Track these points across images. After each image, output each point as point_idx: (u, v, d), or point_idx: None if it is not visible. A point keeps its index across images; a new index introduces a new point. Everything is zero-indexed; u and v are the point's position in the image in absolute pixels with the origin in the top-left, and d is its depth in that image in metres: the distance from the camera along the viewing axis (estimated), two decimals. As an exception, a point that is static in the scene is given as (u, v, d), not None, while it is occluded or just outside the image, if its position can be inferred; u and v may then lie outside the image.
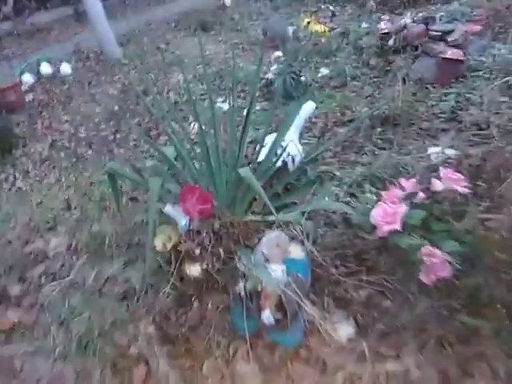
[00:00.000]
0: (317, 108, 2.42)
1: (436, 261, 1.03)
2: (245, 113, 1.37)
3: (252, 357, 1.10)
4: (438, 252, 1.03)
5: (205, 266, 1.22)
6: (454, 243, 1.06)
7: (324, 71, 3.04)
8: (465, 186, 1.12)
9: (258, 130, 2.28)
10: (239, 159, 1.39)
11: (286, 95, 2.66)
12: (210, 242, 1.21)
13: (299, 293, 1.07)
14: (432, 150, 1.75)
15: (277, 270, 1.04)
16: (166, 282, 1.29)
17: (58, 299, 1.37)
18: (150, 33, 5.04)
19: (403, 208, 1.10)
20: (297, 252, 1.16)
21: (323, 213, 1.41)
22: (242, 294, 1.10)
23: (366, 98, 2.50)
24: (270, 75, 2.88)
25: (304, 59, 3.16)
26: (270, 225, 1.26)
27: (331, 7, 4.41)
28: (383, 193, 1.20)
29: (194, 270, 1.24)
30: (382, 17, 3.84)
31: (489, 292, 1.01)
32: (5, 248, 1.71)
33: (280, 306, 1.05)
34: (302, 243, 1.20)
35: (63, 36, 5.15)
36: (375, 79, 2.71)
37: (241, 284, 1.09)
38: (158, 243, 1.22)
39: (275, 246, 1.07)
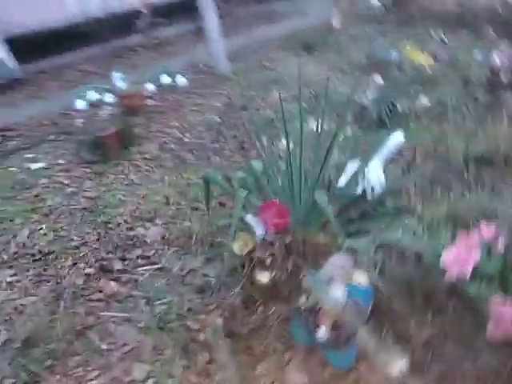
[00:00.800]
0: (409, 139, 2.41)
1: (507, 316, 1.01)
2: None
3: (304, 368, 1.18)
4: (510, 308, 1.00)
5: (273, 275, 1.35)
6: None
7: (424, 102, 2.97)
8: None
9: (344, 154, 2.35)
10: (318, 181, 1.48)
11: (380, 123, 2.67)
12: (280, 253, 1.33)
13: (356, 318, 1.13)
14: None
15: (337, 291, 1.11)
16: (238, 283, 1.45)
17: (148, 280, 1.61)
18: (258, 50, 5.38)
19: (476, 256, 1.09)
20: (361, 279, 1.22)
21: (395, 246, 1.43)
22: (303, 307, 1.19)
23: (466, 134, 2.40)
24: (366, 101, 2.92)
25: (403, 88, 3.12)
26: (339, 248, 1.33)
27: (442, 35, 4.25)
28: (460, 236, 1.19)
29: (263, 276, 1.37)
30: (500, 46, 3.60)
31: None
32: (114, 229, 2.04)
33: (336, 327, 1.12)
34: (368, 272, 1.25)
35: (182, 49, 5.75)
36: (479, 115, 2.58)
37: (303, 298, 1.19)
38: (236, 247, 1.37)
39: (340, 268, 1.14)
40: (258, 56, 5.14)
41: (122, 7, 5.81)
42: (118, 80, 3.56)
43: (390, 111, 2.63)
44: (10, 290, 1.71)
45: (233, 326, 1.32)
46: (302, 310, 1.21)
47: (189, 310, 1.38)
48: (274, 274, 1.36)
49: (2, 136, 3.65)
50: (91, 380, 1.28)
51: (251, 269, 1.41)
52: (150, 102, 3.80)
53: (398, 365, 1.15)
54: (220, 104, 3.68)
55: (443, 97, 2.88)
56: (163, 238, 1.90)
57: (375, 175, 1.69)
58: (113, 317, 1.48)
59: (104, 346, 1.38)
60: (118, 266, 1.72)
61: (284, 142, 2.16)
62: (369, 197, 1.66)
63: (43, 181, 2.69)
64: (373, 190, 1.67)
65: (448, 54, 3.80)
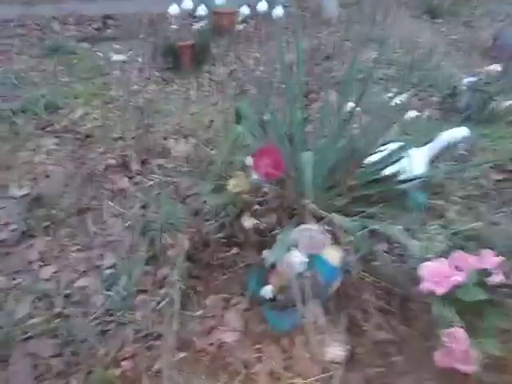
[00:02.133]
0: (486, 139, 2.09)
1: (457, 348, 0.88)
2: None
3: (244, 316, 1.18)
4: (463, 341, 0.88)
5: (255, 223, 1.32)
6: (495, 344, 0.89)
7: (534, 108, 2.50)
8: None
9: (406, 134, 2.12)
10: (336, 145, 1.37)
11: (465, 114, 2.32)
12: (268, 204, 1.29)
13: (311, 291, 1.08)
14: None
15: (296, 257, 1.06)
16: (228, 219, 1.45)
17: (155, 189, 1.68)
18: (377, 3, 4.86)
19: (459, 278, 0.94)
20: (332, 256, 1.14)
21: (387, 238, 1.30)
22: (264, 261, 1.16)
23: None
24: (462, 85, 2.53)
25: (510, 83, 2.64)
26: (328, 221, 1.25)
27: None
28: (456, 253, 1.04)
29: (247, 221, 1.35)
30: None
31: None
32: (152, 134, 2.12)
33: (283, 291, 1.09)
34: (345, 253, 1.16)
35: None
36: None
37: (267, 251, 1.15)
38: (230, 185, 1.35)
39: (308, 237, 1.07)
40: (374, 9, 4.66)
41: None
42: (217, -4, 3.51)
43: (482, 105, 2.26)
44: (47, 156, 1.91)
45: (201, 254, 1.34)
46: (261, 263, 1.18)
47: (172, 224, 1.42)
48: (257, 221, 1.33)
49: (103, 22, 3.89)
50: (72, 252, 1.42)
51: (241, 211, 1.39)
52: (241, 25, 3.72)
53: (335, 352, 1.10)
54: (309, 47, 3.47)
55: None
56: (188, 156, 1.95)
57: (413, 164, 1.51)
58: (112, 208, 1.59)
59: (94, 229, 1.51)
60: (136, 166, 1.82)
61: (349, 104, 2.00)
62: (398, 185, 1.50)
63: (116, 72, 2.85)
64: (404, 180, 1.50)
65: None
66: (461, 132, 1.57)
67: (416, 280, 1.15)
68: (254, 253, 1.36)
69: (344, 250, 1.17)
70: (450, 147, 1.63)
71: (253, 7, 3.75)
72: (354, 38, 3.65)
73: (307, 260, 1.08)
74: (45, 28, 3.78)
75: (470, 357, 0.89)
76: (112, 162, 1.84)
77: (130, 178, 1.77)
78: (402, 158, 1.47)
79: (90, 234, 1.49)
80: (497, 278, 0.97)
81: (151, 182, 1.69)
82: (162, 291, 1.24)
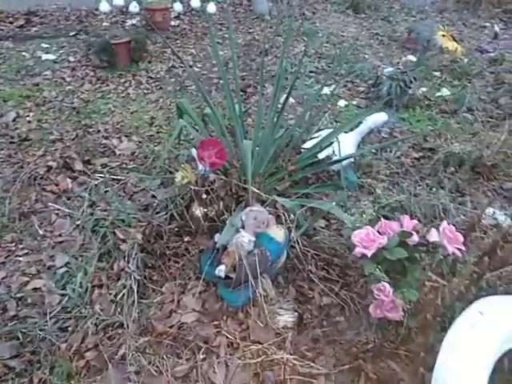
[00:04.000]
0: (408, 124, 2.33)
1: (385, 299, 1.04)
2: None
3: (201, 297, 1.27)
4: (389, 292, 1.03)
5: (205, 211, 1.40)
6: (415, 293, 1.06)
7: (444, 92, 2.83)
8: (457, 248, 1.07)
9: (336, 122, 2.31)
10: (274, 133, 1.50)
11: (388, 102, 2.57)
12: (214, 192, 1.37)
13: (260, 266, 1.18)
14: (489, 209, 1.61)
15: (244, 237, 1.16)
16: (177, 210, 1.51)
17: (100, 187, 1.68)
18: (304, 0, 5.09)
19: (383, 240, 1.10)
20: (277, 234, 1.25)
21: (324, 213, 1.45)
22: (215, 244, 1.25)
23: (468, 134, 2.29)
24: (383, 75, 2.79)
25: (429, 72, 2.96)
26: (272, 202, 1.36)
27: (497, 27, 3.91)
28: (381, 221, 1.20)
29: (197, 210, 1.43)
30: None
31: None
32: (92, 134, 2.10)
33: (235, 268, 1.18)
34: (288, 230, 1.29)
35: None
36: (492, 119, 2.45)
37: (217, 235, 1.24)
38: (177, 178, 1.42)
39: (253, 218, 1.18)
40: (302, 4, 4.88)
41: None
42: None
43: (400, 92, 2.51)
44: (-20, 162, 1.83)
45: (155, 245, 1.40)
46: (213, 247, 1.27)
47: (122, 221, 1.45)
48: (206, 209, 1.41)
49: (26, 19, 3.68)
50: (19, 256, 1.40)
51: (190, 201, 1.47)
52: (176, 22, 3.72)
53: (286, 319, 1.22)
54: (243, 42, 3.57)
55: (465, 92, 2.72)
56: (132, 153, 1.97)
57: (343, 147, 1.67)
58: (58, 209, 1.58)
59: (41, 232, 1.50)
60: (79, 167, 1.80)
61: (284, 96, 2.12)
62: (331, 166, 1.66)
63: (47, 73, 2.74)
64: (336, 160, 1.66)
65: (494, 49, 3.53)
66: (381, 117, 1.76)
67: (351, 248, 1.32)
68: (205, 239, 1.44)
69: (287, 228, 1.29)
70: (373, 131, 1.83)
71: (186, 3, 3.77)
72: (285, 32, 3.82)
73: (254, 239, 1.19)
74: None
75: (396, 306, 1.05)
76: (53, 164, 1.80)
77: (74, 178, 1.75)
78: (333, 142, 1.63)
79: (38, 236, 1.48)
80: (415, 239, 1.14)
81: (97, 182, 1.69)
82: (119, 283, 1.27)
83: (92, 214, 1.53)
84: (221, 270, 1.17)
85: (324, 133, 1.71)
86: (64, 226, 1.52)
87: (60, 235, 1.49)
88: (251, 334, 1.16)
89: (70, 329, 1.17)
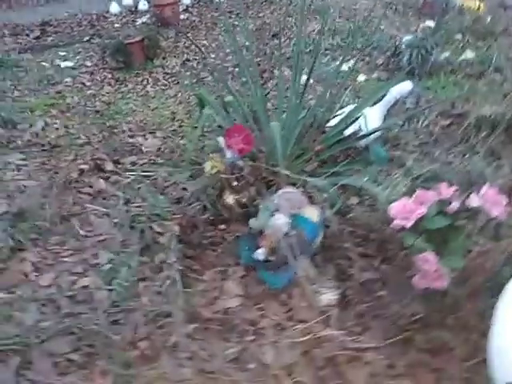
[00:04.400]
0: (434, 93, 2.26)
1: (429, 269, 1.03)
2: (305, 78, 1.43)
3: (242, 282, 1.29)
4: (434, 262, 1.02)
5: (237, 198, 1.42)
6: (459, 260, 1.04)
7: (469, 55, 2.71)
8: (501, 211, 1.04)
9: (359, 98, 2.26)
10: (299, 113, 1.48)
11: (410, 71, 2.49)
12: (245, 179, 1.38)
13: (298, 247, 1.19)
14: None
15: (280, 219, 1.17)
16: (210, 200, 1.54)
17: (133, 185, 1.73)
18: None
19: (422, 210, 1.09)
20: (312, 214, 1.26)
21: (357, 190, 1.44)
22: (251, 229, 1.27)
23: (499, 96, 2.20)
24: (402, 45, 2.70)
25: (451, 36, 2.85)
26: (302, 183, 1.36)
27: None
28: (418, 192, 1.18)
29: (229, 198, 1.45)
30: None
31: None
32: (118, 135, 2.15)
33: (274, 251, 1.20)
34: (321, 209, 1.29)
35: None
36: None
37: (252, 220, 1.25)
38: (206, 168, 1.43)
39: (286, 199, 1.18)
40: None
41: None
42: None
43: (421, 60, 2.43)
44: (17, 171, 1.90)
45: (191, 236, 1.43)
46: (249, 232, 1.28)
47: (158, 215, 1.49)
48: (238, 196, 1.42)
49: (42, 30, 3.77)
50: (65, 257, 1.46)
51: (221, 190, 1.48)
52: (185, 15, 3.72)
53: (328, 297, 1.22)
54: (255, 28, 3.53)
55: (490, 52, 2.60)
56: (158, 149, 2.00)
57: (369, 121, 1.64)
58: (95, 210, 1.63)
59: (82, 233, 1.55)
60: (110, 167, 1.85)
61: (304, 77, 2.10)
62: (359, 142, 1.63)
63: (68, 79, 2.81)
64: (363, 135, 1.63)
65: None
66: (406, 86, 1.71)
67: (388, 222, 1.30)
68: (240, 226, 1.46)
69: (321, 208, 1.29)
70: (398, 101, 1.78)
71: (193, -5, 3.76)
72: (296, 12, 3.75)
73: (290, 220, 1.20)
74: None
75: (441, 274, 1.04)
76: (84, 166, 1.85)
77: (106, 179, 1.80)
78: (359, 117, 1.61)
79: (79, 237, 1.53)
80: (454, 206, 1.12)
81: (128, 180, 1.74)
82: (162, 275, 1.31)
83: (128, 211, 1.57)
84: (260, 254, 1.18)
85: (347, 109, 1.68)
86: (103, 225, 1.57)
87: (100, 234, 1.53)
88: (295, 314, 1.18)
89: (120, 322, 1.21)
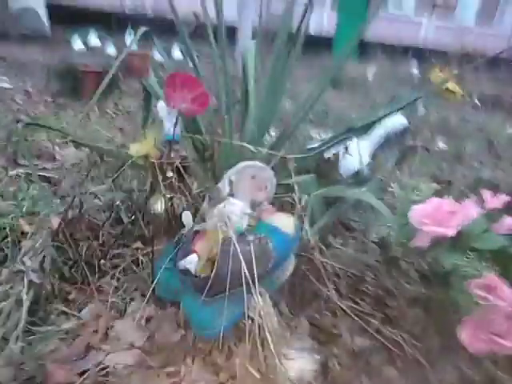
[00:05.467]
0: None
1: (501, 305, 0.55)
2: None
3: (143, 323, 0.71)
4: (507, 290, 0.56)
5: (169, 203, 0.92)
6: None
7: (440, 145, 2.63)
8: None
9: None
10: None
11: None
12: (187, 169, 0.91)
13: (252, 260, 0.68)
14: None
15: (235, 206, 0.67)
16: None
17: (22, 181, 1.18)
18: None
19: (473, 210, 0.66)
20: (284, 223, 0.77)
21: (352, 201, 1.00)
22: (182, 237, 0.75)
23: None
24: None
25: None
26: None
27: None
28: (446, 200, 0.76)
29: (157, 203, 0.94)
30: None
31: None
32: (29, 141, 1.64)
33: (215, 263, 0.67)
34: (301, 221, 0.81)
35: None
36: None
37: (186, 214, 0.74)
38: (132, 149, 0.95)
39: (250, 176, 0.71)
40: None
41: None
42: (129, 39, 3.36)
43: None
44: None
45: (83, 247, 0.86)
46: (179, 239, 0.76)
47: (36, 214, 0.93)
48: (170, 200, 0.92)
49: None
50: None
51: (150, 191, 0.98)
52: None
53: (301, 366, 0.68)
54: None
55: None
56: (80, 161, 1.49)
57: (356, 149, 1.30)
58: None
59: None
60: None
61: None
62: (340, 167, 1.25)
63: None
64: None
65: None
66: (400, 121, 1.43)
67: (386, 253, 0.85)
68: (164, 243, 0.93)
69: (299, 219, 0.82)
70: (391, 137, 1.48)
71: (167, 54, 3.67)
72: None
73: (250, 212, 0.71)
74: None
75: (515, 322, 0.56)
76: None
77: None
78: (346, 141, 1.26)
79: None
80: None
81: (17, 174, 1.19)
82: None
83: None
84: (189, 262, 0.65)
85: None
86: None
87: None
88: (240, 390, 0.61)
89: None
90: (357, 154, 1.31)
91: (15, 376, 0.58)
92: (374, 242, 1.06)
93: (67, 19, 4.85)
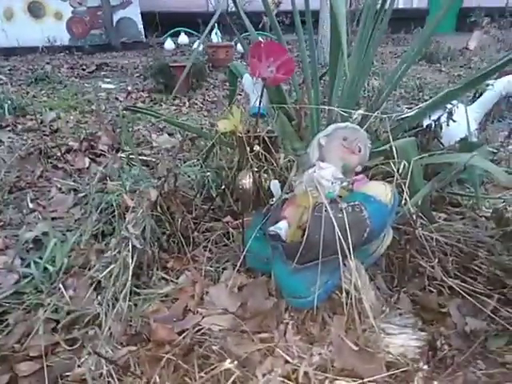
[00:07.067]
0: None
1: None
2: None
3: (236, 291, 0.72)
4: None
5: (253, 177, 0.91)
6: None
7: None
8: None
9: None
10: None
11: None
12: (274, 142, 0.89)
13: (346, 228, 0.63)
14: None
15: (326, 171, 0.64)
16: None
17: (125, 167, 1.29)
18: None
19: None
20: (378, 191, 0.71)
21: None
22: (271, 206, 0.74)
23: None
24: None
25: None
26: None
27: None
28: None
29: (245, 179, 0.94)
30: None
31: None
32: (130, 131, 1.79)
33: (306, 230, 0.64)
34: (400, 190, 0.74)
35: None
36: None
37: (275, 182, 0.73)
38: (220, 126, 0.97)
39: (341, 139, 0.67)
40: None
41: None
42: (214, 35, 3.48)
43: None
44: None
45: (178, 218, 0.91)
46: (268, 209, 0.75)
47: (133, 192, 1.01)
48: (258, 174, 0.92)
49: (97, 66, 3.83)
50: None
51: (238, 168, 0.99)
52: (238, 61, 3.65)
53: (404, 343, 0.62)
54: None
55: None
56: (172, 147, 1.59)
57: (464, 119, 1.15)
58: (62, 185, 1.19)
59: (31, 206, 1.09)
60: (103, 148, 1.45)
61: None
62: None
63: (102, 94, 2.63)
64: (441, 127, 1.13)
65: None
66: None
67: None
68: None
69: (398, 188, 0.75)
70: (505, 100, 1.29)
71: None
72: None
73: (342, 177, 0.66)
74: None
75: None
76: (74, 144, 1.47)
77: (93, 160, 1.39)
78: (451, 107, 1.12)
79: (24, 210, 1.06)
80: None
81: (121, 161, 1.31)
82: (111, 264, 0.78)
83: (103, 191, 1.11)
84: (279, 228, 0.64)
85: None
86: (64, 201, 1.10)
87: (55, 211, 1.06)
88: (337, 361, 0.57)
89: (10, 322, 0.67)
90: (463, 120, 1.17)
91: (125, 331, 0.63)
92: (485, 218, 0.94)
93: (159, 24, 5.24)
